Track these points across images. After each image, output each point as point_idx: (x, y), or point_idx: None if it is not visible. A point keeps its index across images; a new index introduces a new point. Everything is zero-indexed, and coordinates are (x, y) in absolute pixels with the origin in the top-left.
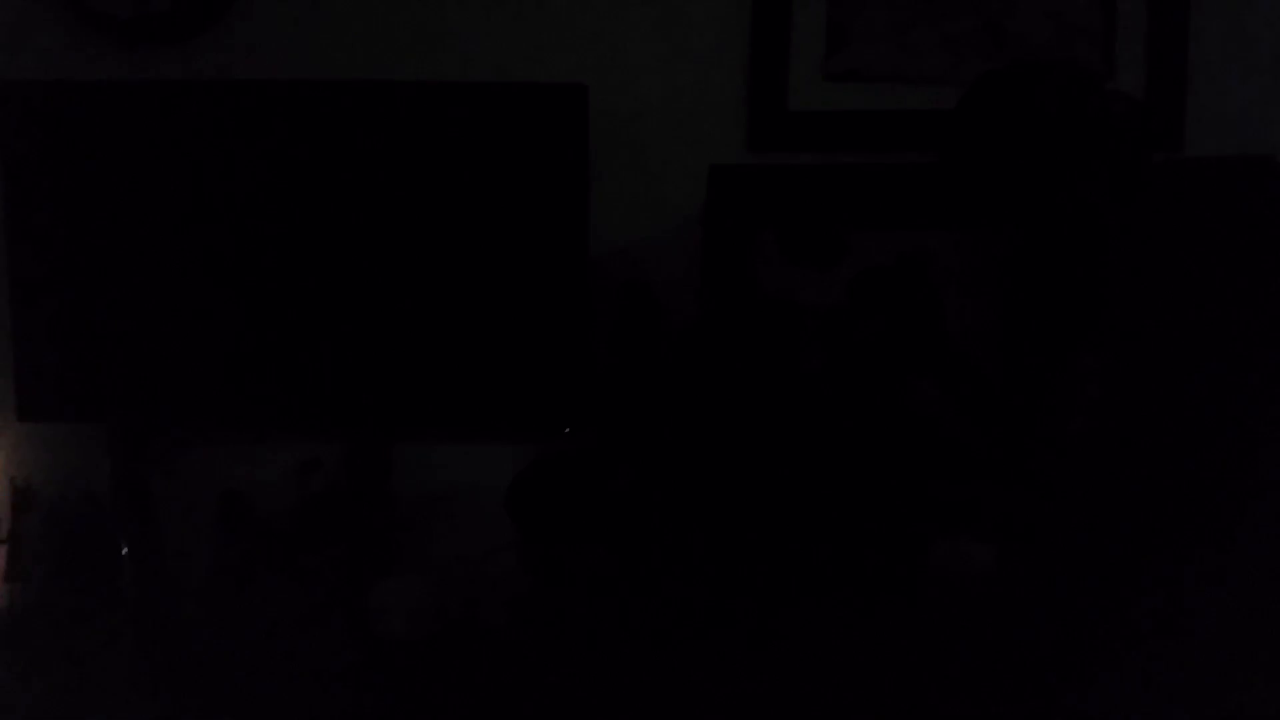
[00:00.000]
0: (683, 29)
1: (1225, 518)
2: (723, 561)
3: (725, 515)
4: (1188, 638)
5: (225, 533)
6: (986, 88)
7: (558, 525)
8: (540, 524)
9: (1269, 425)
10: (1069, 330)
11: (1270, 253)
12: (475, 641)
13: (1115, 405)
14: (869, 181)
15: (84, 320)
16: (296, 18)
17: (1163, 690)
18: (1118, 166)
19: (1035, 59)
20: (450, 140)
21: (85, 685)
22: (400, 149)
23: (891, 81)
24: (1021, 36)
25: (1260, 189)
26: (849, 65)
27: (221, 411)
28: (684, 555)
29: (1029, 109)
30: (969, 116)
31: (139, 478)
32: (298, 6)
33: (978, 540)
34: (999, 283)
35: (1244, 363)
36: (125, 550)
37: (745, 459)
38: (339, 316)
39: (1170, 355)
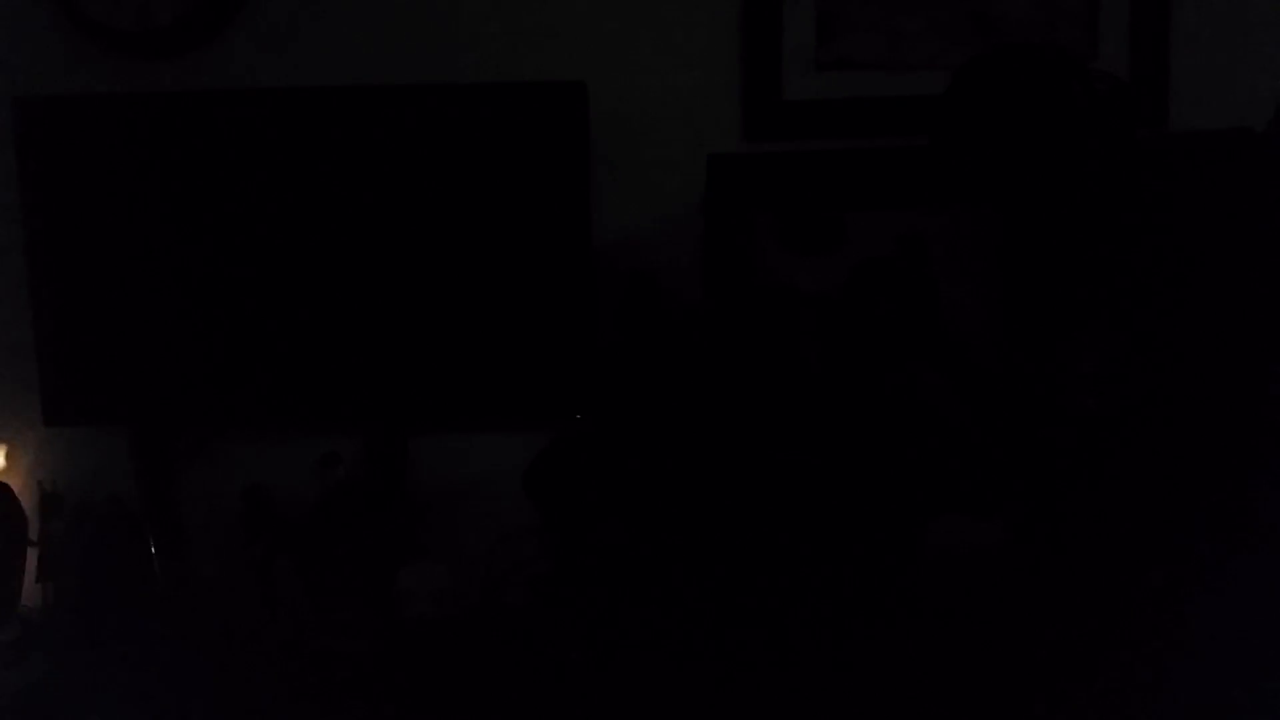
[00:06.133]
0: (678, 24)
1: (1231, 490)
2: (729, 538)
3: (731, 495)
4: (1197, 618)
5: (249, 528)
6: (972, 73)
7: (574, 504)
8: (557, 503)
9: (1262, 396)
10: (1066, 307)
11: (1252, 223)
12: (498, 622)
13: (1114, 381)
14: (864, 165)
15: (105, 325)
16: (297, 28)
17: (1171, 671)
18: (1103, 145)
19: (1020, 42)
20: (455, 141)
21: (116, 682)
22: (407, 151)
23: (881, 69)
24: (1006, 20)
25: (1240, 161)
26: (839, 54)
27: (241, 410)
28: (693, 532)
29: (1014, 92)
30: (956, 102)
31: (163, 478)
32: (298, 17)
33: (978, 519)
34: (996, 262)
35: (1234, 333)
36: (153, 549)
37: (748, 442)
38: (353, 315)
39: (1165, 328)
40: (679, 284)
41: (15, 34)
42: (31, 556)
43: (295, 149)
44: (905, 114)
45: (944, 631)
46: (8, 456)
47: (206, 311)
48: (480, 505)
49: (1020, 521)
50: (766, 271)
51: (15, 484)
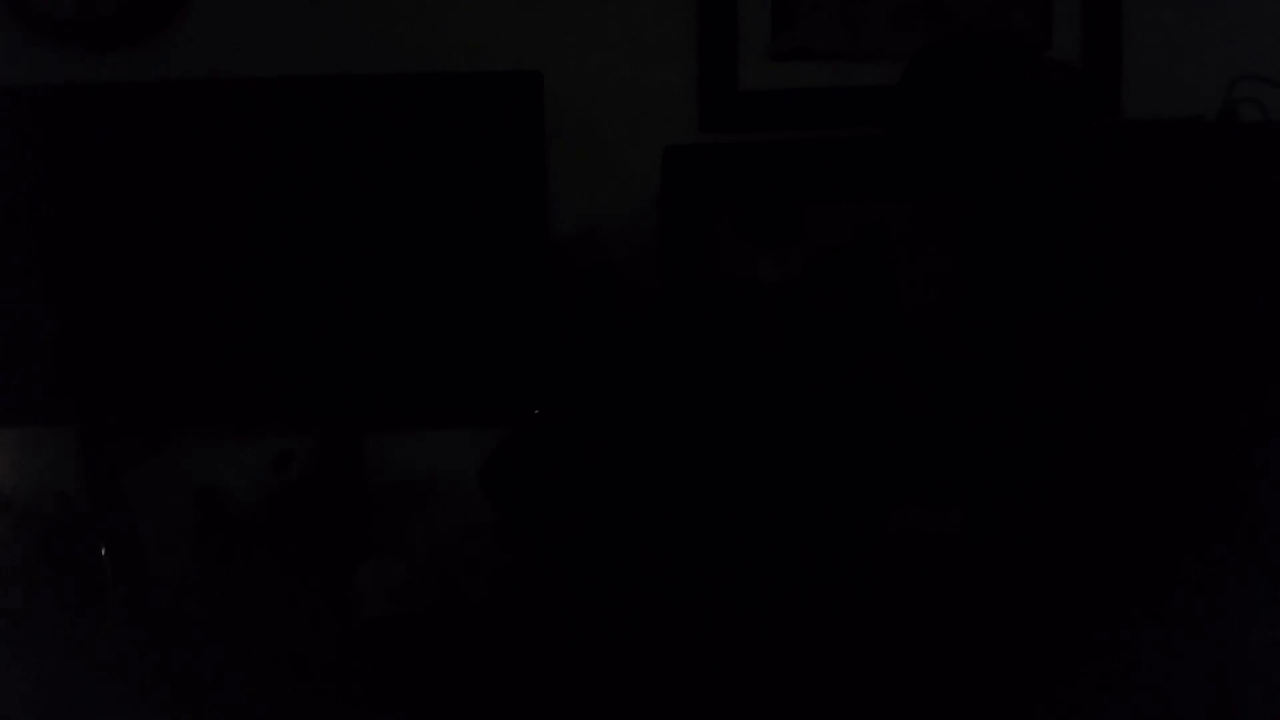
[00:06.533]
0: (633, 13)
1: (1187, 477)
2: (691, 531)
3: (692, 488)
4: (1156, 605)
5: (202, 528)
6: (926, 63)
7: (533, 499)
8: (515, 499)
9: (1219, 382)
10: (1025, 296)
11: (1203, 211)
12: (458, 619)
13: (1071, 370)
14: (820, 156)
15: (49, 322)
16: (245, 19)
17: (1131, 657)
18: (1056, 133)
19: (974, 31)
20: (409, 132)
21: (69, 686)
22: (360, 143)
23: (837, 59)
24: (962, 9)
25: (1192, 149)
26: (795, 44)
27: (192, 408)
28: (655, 525)
29: (968, 82)
30: (911, 92)
31: (113, 478)
32: (246, 8)
33: (938, 507)
34: (954, 252)
35: (1189, 320)
36: (104, 551)
37: (708, 434)
38: (306, 309)
39: (1119, 316)
40: (638, 276)
41: None
42: None
43: (244, 141)
44: (862, 104)
45: (903, 619)
46: None
47: (154, 307)
48: (438, 501)
49: (978, 510)
50: (724, 263)
51: None
